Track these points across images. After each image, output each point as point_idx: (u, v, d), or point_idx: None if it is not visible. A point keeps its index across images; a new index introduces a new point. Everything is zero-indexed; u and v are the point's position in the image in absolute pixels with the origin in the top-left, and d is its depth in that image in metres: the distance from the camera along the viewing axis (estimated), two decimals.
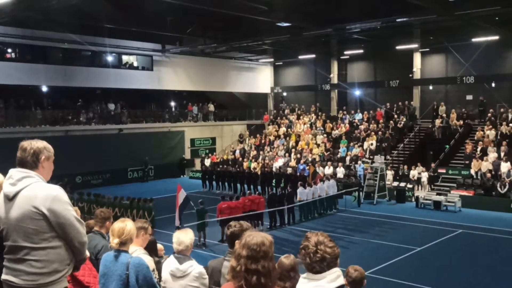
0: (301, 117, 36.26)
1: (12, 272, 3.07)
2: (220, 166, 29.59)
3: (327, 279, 2.54)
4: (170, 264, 4.60)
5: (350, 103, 36.84)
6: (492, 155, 24.51)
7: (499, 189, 22.59)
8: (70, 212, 3.12)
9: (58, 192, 3.11)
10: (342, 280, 2.60)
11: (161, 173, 32.88)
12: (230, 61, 38.14)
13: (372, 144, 29.22)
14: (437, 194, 23.35)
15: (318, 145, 31.71)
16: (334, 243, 2.66)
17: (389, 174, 25.84)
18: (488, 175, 23.36)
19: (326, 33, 28.96)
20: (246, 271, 2.66)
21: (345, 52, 35.25)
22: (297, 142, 33.11)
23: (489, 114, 27.94)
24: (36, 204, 3.02)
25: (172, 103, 37.94)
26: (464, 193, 23.21)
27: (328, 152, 30.61)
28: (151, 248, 5.40)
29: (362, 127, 31.88)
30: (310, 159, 29.46)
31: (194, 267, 4.47)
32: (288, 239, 17.61)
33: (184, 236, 4.60)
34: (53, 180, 3.35)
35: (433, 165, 26.29)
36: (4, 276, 3.11)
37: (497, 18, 25.49)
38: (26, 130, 26.66)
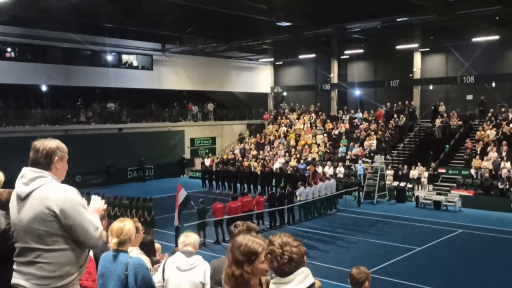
0: (301, 116, 36.23)
1: (22, 275, 2.92)
2: (220, 165, 29.56)
3: (296, 281, 2.51)
4: (176, 259, 4.64)
5: (350, 103, 36.80)
6: (492, 155, 24.49)
7: (500, 186, 22.54)
8: (82, 214, 2.97)
9: (70, 192, 2.99)
10: (311, 279, 2.56)
11: (161, 172, 32.81)
12: (230, 61, 38.09)
13: (372, 144, 29.19)
14: (437, 194, 23.32)
15: (318, 145, 31.68)
16: (298, 242, 2.62)
17: (389, 174, 25.82)
18: (488, 175, 23.34)
19: (326, 32, 28.97)
20: (232, 275, 2.63)
21: (345, 52, 35.23)
22: (297, 142, 33.08)
23: (489, 114, 27.90)
24: (48, 205, 2.89)
25: (172, 103, 37.90)
26: (464, 193, 23.18)
27: (328, 152, 30.59)
28: (148, 248, 5.38)
29: (362, 126, 31.85)
30: (310, 159, 29.43)
31: (201, 262, 4.61)
32: None
33: (191, 235, 4.88)
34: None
35: (433, 165, 26.24)
36: (14, 280, 2.96)
37: (497, 18, 25.48)
38: (26, 129, 26.57)
